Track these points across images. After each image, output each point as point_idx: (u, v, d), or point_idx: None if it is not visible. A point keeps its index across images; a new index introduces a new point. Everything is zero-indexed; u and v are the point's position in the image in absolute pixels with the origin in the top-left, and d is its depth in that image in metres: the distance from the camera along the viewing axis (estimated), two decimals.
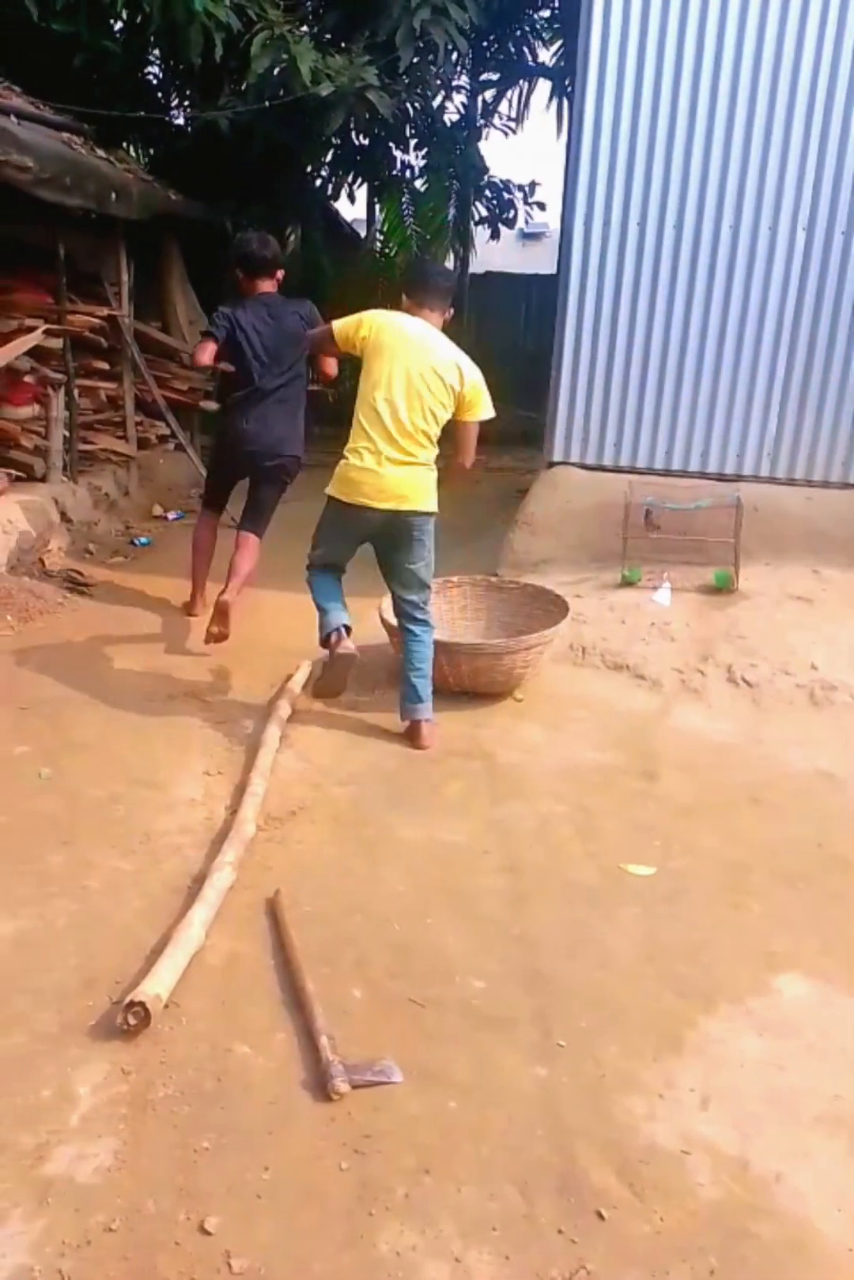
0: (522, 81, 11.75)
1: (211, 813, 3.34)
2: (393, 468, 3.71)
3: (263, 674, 4.49)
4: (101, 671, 4.49)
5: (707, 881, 3.08)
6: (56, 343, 6.57)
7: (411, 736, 3.95)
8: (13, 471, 6.21)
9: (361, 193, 11.60)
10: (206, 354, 4.71)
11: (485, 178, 11.96)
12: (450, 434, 3.94)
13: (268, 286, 4.81)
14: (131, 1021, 2.25)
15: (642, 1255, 1.82)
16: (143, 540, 6.85)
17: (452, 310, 4.01)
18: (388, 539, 3.87)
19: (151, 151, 10.03)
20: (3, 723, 3.91)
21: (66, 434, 6.73)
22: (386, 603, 4.42)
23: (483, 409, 3.89)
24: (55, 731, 3.87)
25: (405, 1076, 2.20)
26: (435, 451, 3.85)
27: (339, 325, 3.86)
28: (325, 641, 3.91)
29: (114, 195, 6.64)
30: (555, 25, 10.82)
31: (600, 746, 4.01)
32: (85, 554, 6.31)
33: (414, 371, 3.71)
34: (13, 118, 5.56)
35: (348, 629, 3.89)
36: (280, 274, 4.87)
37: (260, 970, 2.56)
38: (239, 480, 5.13)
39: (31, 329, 6.25)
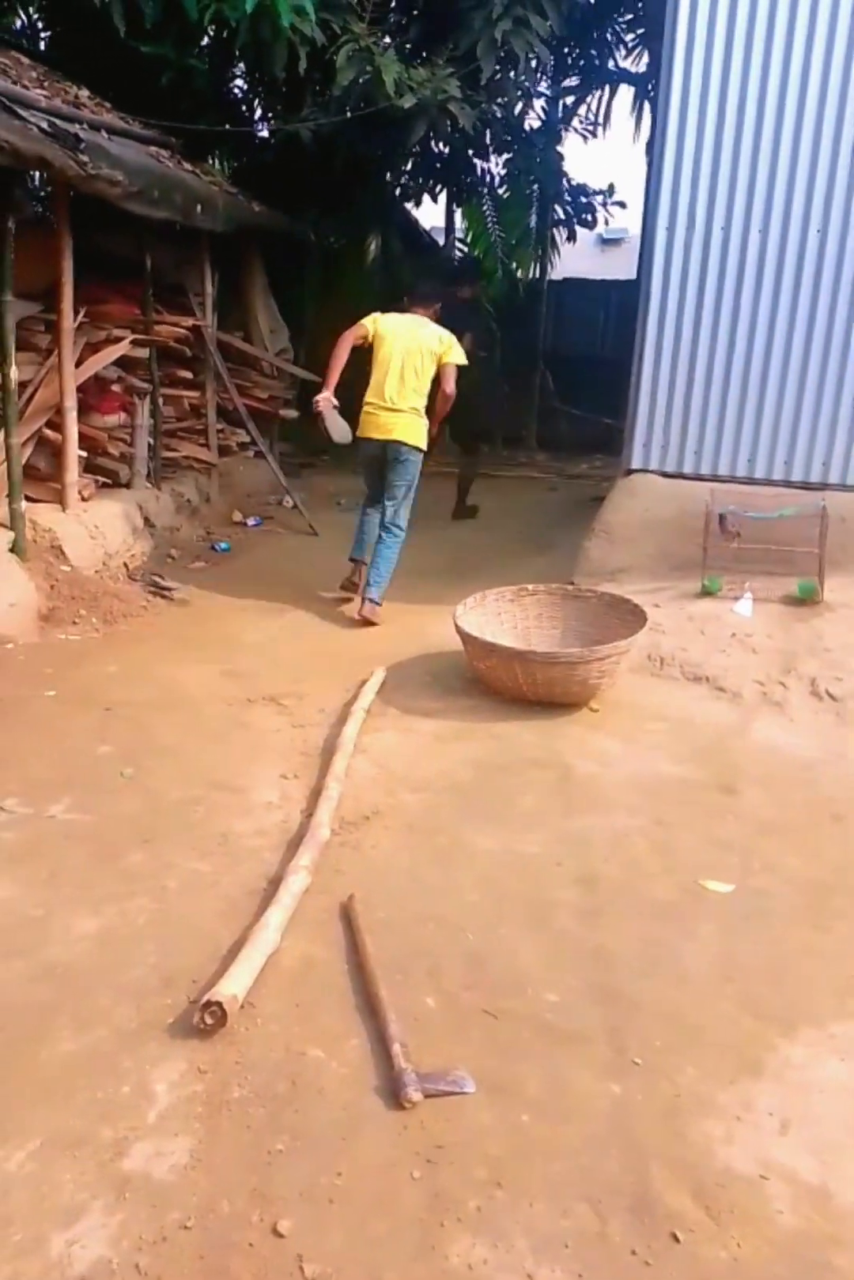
0: (603, 86, 11.65)
1: (287, 816, 3.38)
2: (388, 413, 5.36)
3: (338, 679, 4.53)
4: (182, 674, 4.58)
5: (787, 901, 3.01)
6: (143, 353, 6.74)
7: (363, 615, 5.36)
8: (99, 478, 6.39)
9: (441, 199, 11.63)
10: None
11: (564, 182, 11.89)
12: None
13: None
14: (208, 1021, 2.28)
15: None
16: (223, 546, 6.97)
17: (439, 306, 5.70)
18: (386, 463, 5.46)
19: (235, 164, 10.21)
20: (88, 723, 4.02)
21: (151, 441, 6.90)
22: (461, 610, 4.56)
23: (456, 354, 5.46)
24: (138, 733, 3.96)
25: (477, 1088, 2.19)
26: (424, 403, 5.43)
27: (362, 323, 5.42)
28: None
29: (199, 207, 6.77)
30: (638, 30, 10.71)
31: (678, 759, 3.95)
32: (167, 559, 6.45)
33: (408, 348, 5.36)
34: (104, 133, 5.71)
35: (357, 562, 5.70)
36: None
37: (334, 975, 2.58)
38: None
39: (120, 339, 6.42)
